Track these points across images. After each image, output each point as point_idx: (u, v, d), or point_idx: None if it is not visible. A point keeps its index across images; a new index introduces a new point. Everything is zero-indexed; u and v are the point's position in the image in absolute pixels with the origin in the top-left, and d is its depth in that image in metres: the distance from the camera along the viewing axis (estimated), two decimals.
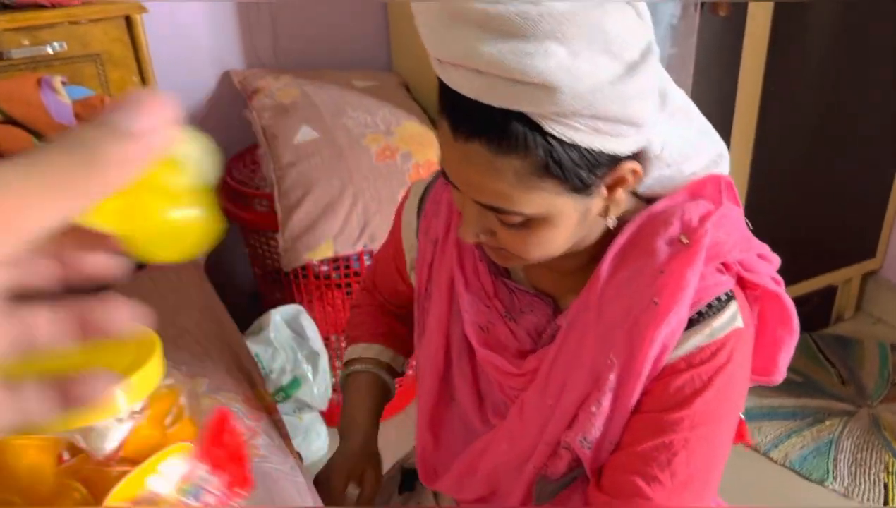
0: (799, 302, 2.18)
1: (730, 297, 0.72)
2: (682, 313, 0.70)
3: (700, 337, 0.70)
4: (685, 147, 0.72)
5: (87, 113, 1.34)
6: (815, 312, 2.27)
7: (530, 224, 0.66)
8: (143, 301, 1.02)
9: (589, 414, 0.74)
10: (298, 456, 0.99)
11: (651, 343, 0.70)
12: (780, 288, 0.76)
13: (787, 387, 2.04)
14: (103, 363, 0.61)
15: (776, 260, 0.78)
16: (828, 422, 1.92)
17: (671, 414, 0.71)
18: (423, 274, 0.87)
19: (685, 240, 0.70)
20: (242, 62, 1.89)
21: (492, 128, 0.61)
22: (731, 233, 0.72)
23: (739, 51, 1.67)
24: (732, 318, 0.71)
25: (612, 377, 0.72)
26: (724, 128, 1.77)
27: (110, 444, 0.57)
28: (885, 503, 1.69)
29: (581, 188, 0.65)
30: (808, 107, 1.88)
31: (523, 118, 0.60)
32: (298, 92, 1.68)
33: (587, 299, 0.74)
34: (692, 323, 0.71)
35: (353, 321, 1.05)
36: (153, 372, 0.61)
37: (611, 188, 0.68)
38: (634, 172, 0.68)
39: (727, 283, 0.72)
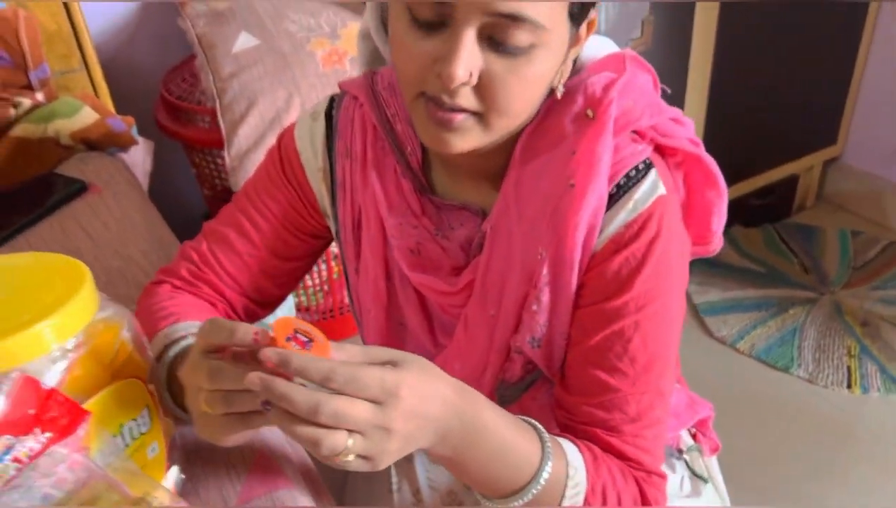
0: (762, 193, 2.19)
1: (648, 165, 0.69)
2: (600, 190, 0.67)
3: (624, 213, 0.68)
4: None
5: (1, 27, 1.22)
6: (777, 202, 2.27)
7: (530, 51, 0.60)
8: (83, 230, 0.94)
9: (532, 314, 0.72)
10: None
11: (575, 227, 0.67)
12: (699, 150, 0.74)
13: (751, 278, 2.06)
14: (28, 298, 0.55)
15: (690, 124, 0.75)
16: (791, 311, 1.94)
17: (614, 300, 0.69)
18: (349, 203, 0.80)
19: (591, 114, 0.67)
20: None
21: None
22: (638, 99, 0.69)
23: None
24: (654, 186, 0.68)
25: (545, 270, 0.70)
26: (685, 18, 1.71)
27: (43, 386, 0.51)
28: (848, 386, 1.73)
29: (577, 14, 0.62)
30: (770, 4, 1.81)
31: None
32: None
33: (505, 197, 0.71)
34: (613, 198, 0.68)
35: (164, 302, 0.78)
36: (84, 305, 0.56)
37: (572, 43, 0.65)
38: (591, 25, 0.66)
39: (643, 152, 0.69)
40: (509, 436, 0.63)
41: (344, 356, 0.55)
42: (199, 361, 0.55)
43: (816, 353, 1.82)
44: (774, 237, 2.22)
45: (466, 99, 0.62)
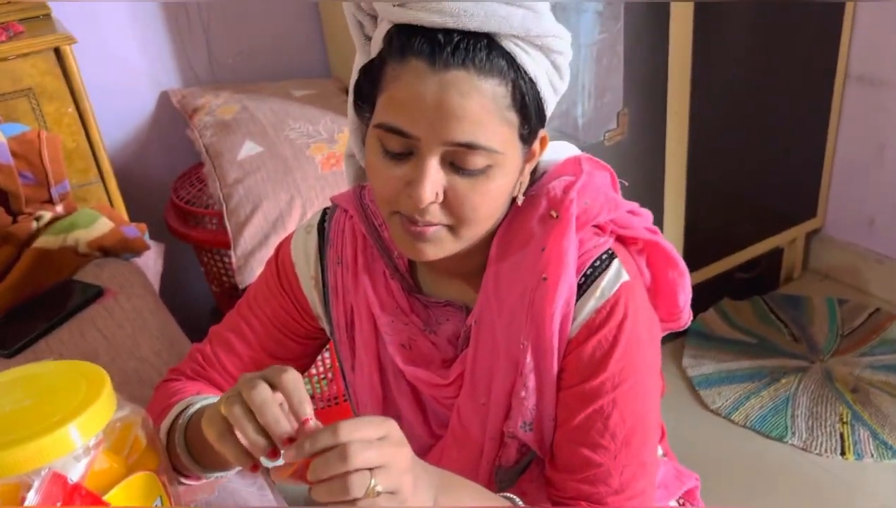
0: (748, 266, 2.27)
1: (611, 255, 0.77)
2: (570, 281, 0.75)
3: (593, 300, 0.76)
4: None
5: (23, 149, 1.34)
6: (764, 274, 2.35)
7: (487, 171, 0.69)
8: (100, 332, 1.03)
9: (520, 400, 0.79)
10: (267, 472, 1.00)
11: (551, 317, 0.75)
12: (656, 236, 0.82)
13: (743, 350, 2.12)
14: (55, 401, 0.63)
15: (647, 214, 0.84)
16: (783, 380, 1.99)
17: (591, 381, 0.76)
18: (341, 306, 0.88)
19: (554, 214, 0.76)
20: (179, 81, 1.88)
21: (478, 52, 0.66)
22: (596, 197, 0.78)
23: (667, 31, 1.72)
24: (617, 274, 0.76)
25: (528, 359, 0.77)
26: (658, 107, 1.82)
27: (70, 481, 0.59)
28: (842, 452, 1.77)
29: (526, 137, 0.72)
30: (739, 77, 1.94)
31: (501, 49, 0.67)
32: (238, 107, 1.69)
33: (486, 293, 0.79)
34: (582, 288, 0.76)
35: (173, 389, 0.86)
36: (104, 407, 0.63)
37: (527, 159, 0.75)
38: (542, 141, 0.76)
39: (605, 243, 0.78)
40: (487, 496, 0.70)
41: (356, 434, 0.62)
42: (257, 380, 0.61)
43: (809, 421, 1.86)
44: (764, 308, 2.28)
45: (435, 215, 0.71)
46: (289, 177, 1.52)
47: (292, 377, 0.62)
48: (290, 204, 1.49)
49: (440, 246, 0.73)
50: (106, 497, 0.62)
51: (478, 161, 0.68)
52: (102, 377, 0.66)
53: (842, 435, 1.81)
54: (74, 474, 0.61)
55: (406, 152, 0.69)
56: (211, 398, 0.81)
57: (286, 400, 0.61)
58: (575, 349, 0.77)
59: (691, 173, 1.97)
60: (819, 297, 2.31)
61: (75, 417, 0.61)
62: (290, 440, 0.59)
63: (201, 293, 1.94)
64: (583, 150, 0.88)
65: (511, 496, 0.77)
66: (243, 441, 0.61)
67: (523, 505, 0.75)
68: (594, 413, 0.76)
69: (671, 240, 2.05)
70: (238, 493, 0.84)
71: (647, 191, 1.92)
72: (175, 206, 1.72)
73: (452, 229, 0.72)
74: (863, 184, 2.26)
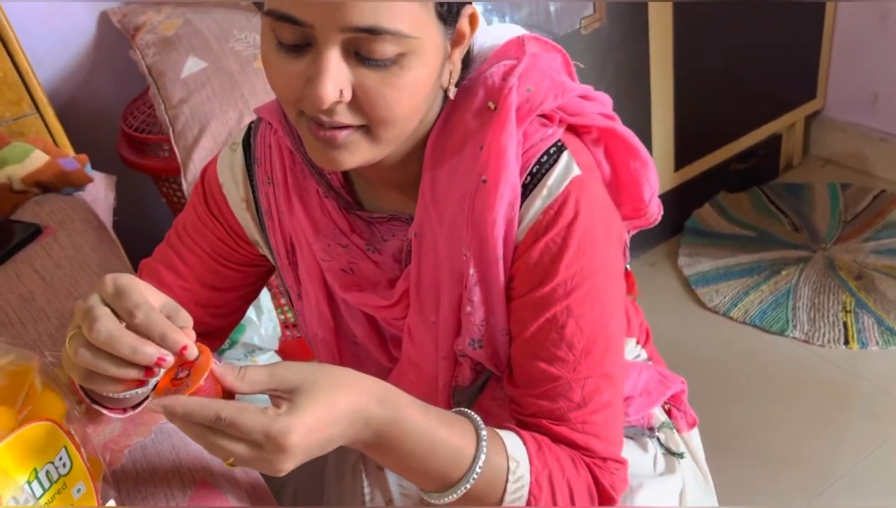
0: (744, 156, 2.16)
1: (560, 148, 0.68)
2: (512, 181, 0.66)
3: (539, 201, 0.67)
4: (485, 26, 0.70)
5: None
6: (762, 164, 2.23)
7: (400, 60, 0.58)
8: (36, 273, 0.93)
9: (467, 315, 0.71)
10: None
11: (493, 223, 0.66)
12: (612, 123, 0.72)
13: (741, 244, 2.03)
14: None
15: (604, 98, 0.74)
16: (784, 272, 1.91)
17: (541, 288, 0.67)
18: (278, 231, 0.79)
19: (492, 106, 0.66)
20: None
21: None
22: (540, 82, 0.68)
23: None
24: (567, 169, 0.67)
25: (472, 270, 0.69)
26: None
27: None
28: (845, 342, 1.70)
29: (446, 16, 0.60)
30: None
31: None
32: (181, 21, 1.55)
33: (424, 202, 0.70)
34: (528, 188, 0.67)
35: None
36: None
37: (454, 43, 0.64)
38: (472, 19, 0.64)
39: (553, 135, 0.68)
40: (437, 433, 0.63)
41: (246, 386, 0.56)
42: (90, 307, 0.56)
43: (811, 312, 1.78)
44: (762, 199, 2.18)
45: (345, 116, 0.60)
46: (236, 92, 1.40)
47: (135, 300, 0.55)
48: (240, 121, 1.38)
49: (355, 152, 0.62)
50: None
51: (386, 49, 0.57)
52: None
53: (845, 324, 1.74)
54: None
55: (303, 44, 0.58)
56: None
57: (145, 333, 0.54)
58: (522, 254, 0.68)
59: (678, 59, 1.83)
60: (821, 184, 2.20)
61: None
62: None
63: (166, 225, 1.84)
64: (557, 41, 0.77)
65: (466, 410, 0.69)
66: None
67: (478, 419, 0.67)
68: (547, 322, 0.68)
69: (661, 135, 1.94)
70: (175, 435, 0.77)
71: (632, 82, 1.79)
72: (126, 135, 1.61)
73: (368, 131, 0.62)
74: (865, 58, 2.11)
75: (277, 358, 1.83)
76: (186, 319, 0.58)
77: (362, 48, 0.57)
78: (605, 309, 0.70)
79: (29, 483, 0.57)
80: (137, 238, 1.42)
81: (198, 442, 0.55)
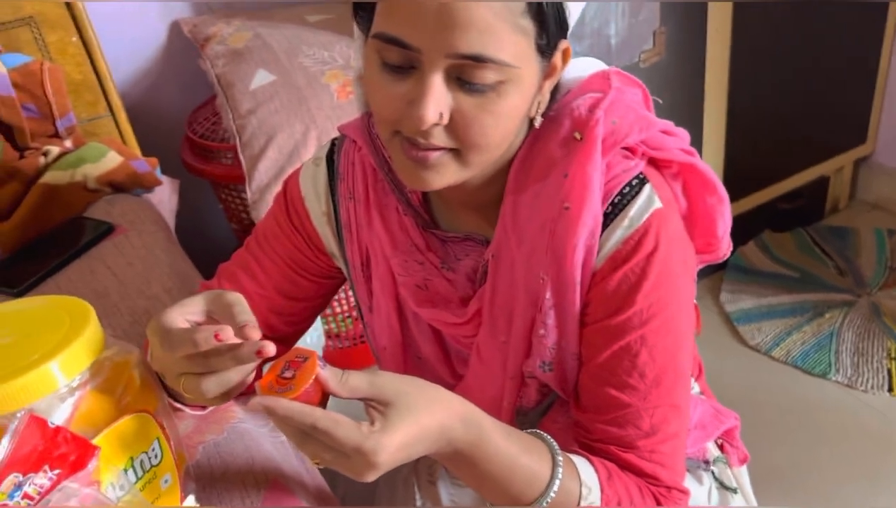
0: (791, 196, 2.15)
1: (642, 181, 0.69)
2: (594, 210, 0.68)
3: (620, 230, 0.68)
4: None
5: (25, 80, 1.28)
6: (808, 205, 2.23)
7: (498, 88, 0.61)
8: (109, 270, 0.97)
9: (539, 338, 0.73)
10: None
11: (574, 249, 0.68)
12: (693, 158, 0.74)
13: (785, 284, 2.02)
14: (36, 340, 0.58)
15: (684, 134, 0.76)
16: (828, 315, 1.90)
17: (618, 316, 0.69)
18: (355, 244, 0.82)
19: (578, 136, 0.68)
20: (191, 10, 1.80)
21: None
22: (625, 115, 0.70)
23: None
24: (649, 201, 0.69)
25: (548, 294, 0.71)
26: (697, 24, 1.70)
27: (53, 422, 0.54)
28: (889, 389, 1.69)
29: (544, 48, 0.63)
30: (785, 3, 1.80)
31: None
32: (251, 34, 1.60)
33: (503, 225, 0.72)
34: (609, 217, 0.69)
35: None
36: (89, 344, 0.58)
37: (547, 75, 0.66)
38: (565, 54, 0.66)
39: (636, 167, 0.70)
40: (516, 457, 0.65)
41: (346, 393, 0.58)
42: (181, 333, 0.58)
43: (855, 357, 1.77)
44: (807, 240, 2.18)
45: (440, 138, 0.62)
46: (303, 106, 1.44)
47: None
48: (306, 135, 1.42)
49: (443, 173, 0.65)
50: (96, 441, 0.58)
51: (487, 76, 0.59)
52: (87, 312, 0.61)
53: (889, 371, 1.72)
54: (59, 416, 0.56)
55: (407, 67, 0.61)
56: None
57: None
58: (600, 282, 0.70)
59: (732, 96, 1.84)
60: (867, 228, 2.19)
61: (56, 355, 0.56)
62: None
63: (222, 231, 1.89)
64: None
65: (541, 433, 0.71)
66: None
67: (553, 443, 0.69)
68: (621, 350, 0.70)
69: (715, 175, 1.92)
70: (248, 434, 0.79)
71: (686, 116, 1.81)
72: (190, 141, 1.66)
73: (458, 154, 0.64)
74: None
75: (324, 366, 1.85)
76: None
77: (465, 74, 0.60)
78: (676, 340, 0.72)
79: (125, 470, 0.60)
80: (194, 240, 1.46)
81: (291, 440, 0.58)
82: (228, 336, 0.57)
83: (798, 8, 1.83)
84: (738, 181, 1.99)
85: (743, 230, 2.14)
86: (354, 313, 1.82)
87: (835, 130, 2.15)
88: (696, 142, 1.86)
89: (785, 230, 2.21)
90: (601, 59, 0.81)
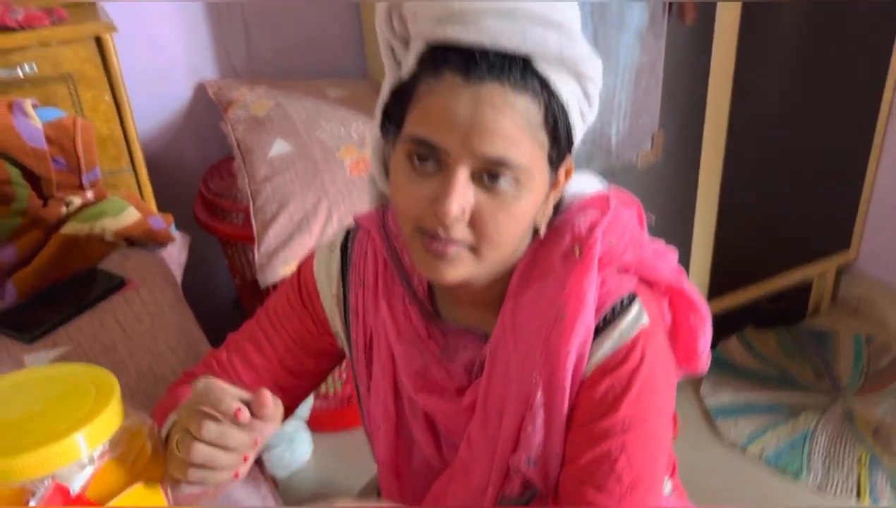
0: (775, 297, 2.22)
1: (632, 298, 0.76)
2: (588, 322, 0.74)
3: (610, 342, 0.75)
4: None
5: (57, 135, 1.35)
6: (792, 305, 2.31)
7: (515, 190, 0.69)
8: (118, 324, 1.03)
9: (527, 435, 0.78)
10: (274, 482, 1.01)
11: (566, 355, 0.74)
12: (680, 279, 0.81)
13: (764, 381, 2.08)
14: (63, 408, 0.63)
15: (672, 254, 0.83)
16: (803, 416, 1.96)
17: (602, 422, 0.75)
18: (360, 327, 0.88)
19: (577, 252, 0.75)
20: (217, 72, 1.89)
21: (512, 68, 0.66)
22: (621, 236, 0.77)
23: (708, 57, 1.69)
24: (637, 318, 0.75)
25: (539, 394, 0.76)
26: (694, 131, 1.80)
27: (73, 489, 0.59)
28: (857, 495, 1.73)
29: (554, 161, 0.72)
30: (777, 108, 1.90)
31: (535, 71, 0.67)
32: (273, 103, 1.69)
33: (503, 325, 0.78)
34: (600, 329, 0.75)
35: (180, 398, 0.83)
36: (111, 417, 0.64)
37: (552, 186, 0.74)
38: (568, 172, 0.75)
39: (628, 285, 0.77)
40: None
41: None
42: (193, 410, 0.66)
43: (827, 461, 1.82)
44: (788, 340, 2.25)
45: (460, 232, 0.69)
46: (317, 179, 1.52)
47: (203, 387, 0.67)
48: (317, 206, 1.49)
49: (460, 267, 0.72)
50: (107, 507, 0.63)
51: (507, 178, 0.68)
52: (112, 385, 0.67)
53: (859, 477, 1.77)
54: (78, 482, 0.61)
55: (434, 168, 0.69)
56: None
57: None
58: (588, 389, 0.76)
59: (724, 199, 1.94)
60: (846, 333, 2.26)
61: (82, 427, 0.61)
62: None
63: (224, 284, 1.95)
64: (614, 170, 0.87)
65: None
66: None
67: None
68: (602, 454, 0.75)
69: (699, 266, 2.02)
70: (234, 493, 0.84)
71: (678, 215, 1.89)
72: (204, 198, 1.73)
73: (474, 250, 0.71)
74: None
75: (304, 426, 1.89)
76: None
77: (487, 175, 0.68)
78: (654, 450, 0.77)
79: None
80: (197, 289, 1.51)
81: None
82: (245, 417, 0.63)
83: (791, 118, 1.93)
84: (725, 279, 2.07)
85: (727, 325, 2.21)
86: (344, 375, 1.87)
87: (820, 236, 2.24)
88: (687, 240, 1.94)
89: (768, 328, 2.28)
90: (601, 157, 0.89)
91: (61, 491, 0.56)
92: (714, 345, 2.19)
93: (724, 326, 2.20)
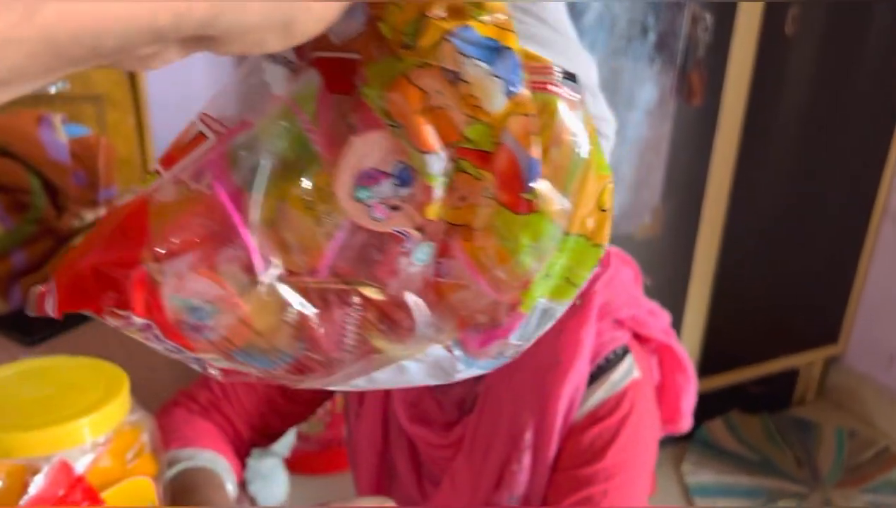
0: (761, 382, 2.25)
1: (625, 351, 0.79)
2: (582, 369, 0.77)
3: (602, 391, 0.77)
4: None
5: (81, 151, 1.40)
6: (778, 392, 2.33)
7: None
8: (116, 336, 1.05)
9: (512, 473, 0.80)
10: (252, 502, 1.01)
11: (559, 399, 0.76)
12: (670, 340, 0.84)
13: (745, 465, 2.08)
14: (75, 395, 0.65)
15: (665, 316, 0.86)
16: (781, 503, 1.95)
17: (586, 468, 0.76)
18: None
19: (578, 302, 0.78)
20: None
21: None
22: (619, 292, 0.80)
23: (712, 138, 1.76)
24: (629, 370, 0.78)
25: (529, 435, 0.78)
26: (693, 210, 1.85)
27: (75, 472, 0.60)
28: None
29: None
30: (777, 194, 1.97)
31: None
32: None
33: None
34: (594, 378, 0.78)
35: (179, 425, 0.86)
36: (119, 407, 0.66)
37: None
38: None
39: (622, 338, 0.80)
40: None
41: None
42: None
43: None
44: (771, 427, 2.26)
45: None
46: None
47: None
48: None
49: None
50: (103, 495, 0.64)
51: None
52: (122, 379, 0.69)
53: None
54: (79, 467, 0.63)
55: None
56: (199, 455, 0.80)
57: None
58: (576, 434, 0.78)
59: (718, 281, 1.98)
60: (829, 425, 2.28)
61: (90, 413, 0.63)
62: None
63: None
64: (613, 240, 0.91)
65: None
66: None
67: None
68: (584, 499, 0.77)
69: (689, 345, 2.06)
70: None
71: (671, 291, 1.93)
72: None
73: None
74: (888, 320, 2.25)
75: (281, 465, 1.88)
76: None
77: None
78: (634, 499, 0.79)
79: None
80: None
81: None
82: None
83: (789, 210, 2.00)
84: (713, 359, 2.10)
85: (712, 406, 2.22)
86: (328, 419, 1.87)
87: (809, 327, 2.28)
88: (678, 317, 1.98)
89: (752, 412, 2.30)
90: None
91: (66, 469, 0.58)
92: (698, 425, 2.20)
93: (709, 407, 2.21)
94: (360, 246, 0.39)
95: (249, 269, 0.38)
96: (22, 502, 0.57)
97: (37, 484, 0.55)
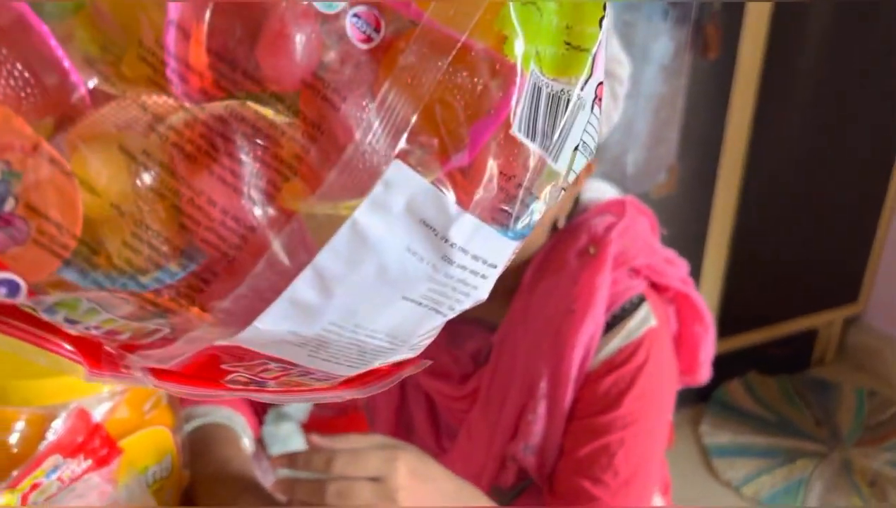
0: (780, 342, 2.23)
1: (641, 299, 0.78)
2: (597, 318, 0.76)
3: (618, 340, 0.77)
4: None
5: None
6: (796, 353, 2.31)
7: None
8: None
9: (527, 423, 0.80)
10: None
11: (573, 348, 0.76)
12: (688, 288, 0.84)
13: (763, 426, 2.08)
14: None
15: (683, 264, 0.86)
16: (799, 462, 1.95)
17: (603, 416, 0.76)
18: None
19: (592, 251, 0.78)
20: None
21: None
22: (635, 240, 0.80)
23: (728, 94, 1.73)
24: (645, 318, 0.78)
25: (544, 384, 0.78)
26: (710, 166, 1.83)
27: (93, 419, 0.61)
28: None
29: None
30: (794, 151, 1.93)
31: None
32: None
33: (513, 315, 0.80)
34: (610, 326, 0.77)
35: None
36: None
37: (573, 182, 0.77)
38: (589, 167, 0.77)
39: (638, 287, 0.79)
40: None
41: (345, 444, 0.65)
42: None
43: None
44: (790, 388, 2.24)
45: None
46: None
47: None
48: None
49: None
50: (121, 444, 0.64)
51: None
52: None
53: None
54: (97, 415, 0.63)
55: None
56: (215, 412, 0.81)
57: None
58: (592, 382, 0.78)
59: (735, 239, 1.96)
60: (849, 386, 2.26)
61: None
62: None
63: None
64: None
65: None
66: None
67: None
68: (601, 447, 0.77)
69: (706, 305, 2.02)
70: None
71: (688, 251, 1.90)
72: None
73: None
74: None
75: (299, 430, 1.89)
76: None
77: None
78: (650, 448, 0.79)
79: (139, 476, 0.66)
80: None
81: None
82: None
83: (808, 165, 1.96)
84: (731, 320, 2.08)
85: (730, 368, 2.21)
86: None
87: (829, 285, 2.25)
88: (695, 277, 1.95)
89: (770, 373, 2.28)
90: (616, 185, 0.92)
91: (84, 416, 0.58)
92: (716, 386, 2.19)
93: (727, 368, 2.20)
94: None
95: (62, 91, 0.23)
96: (41, 448, 0.58)
97: (55, 431, 0.55)
